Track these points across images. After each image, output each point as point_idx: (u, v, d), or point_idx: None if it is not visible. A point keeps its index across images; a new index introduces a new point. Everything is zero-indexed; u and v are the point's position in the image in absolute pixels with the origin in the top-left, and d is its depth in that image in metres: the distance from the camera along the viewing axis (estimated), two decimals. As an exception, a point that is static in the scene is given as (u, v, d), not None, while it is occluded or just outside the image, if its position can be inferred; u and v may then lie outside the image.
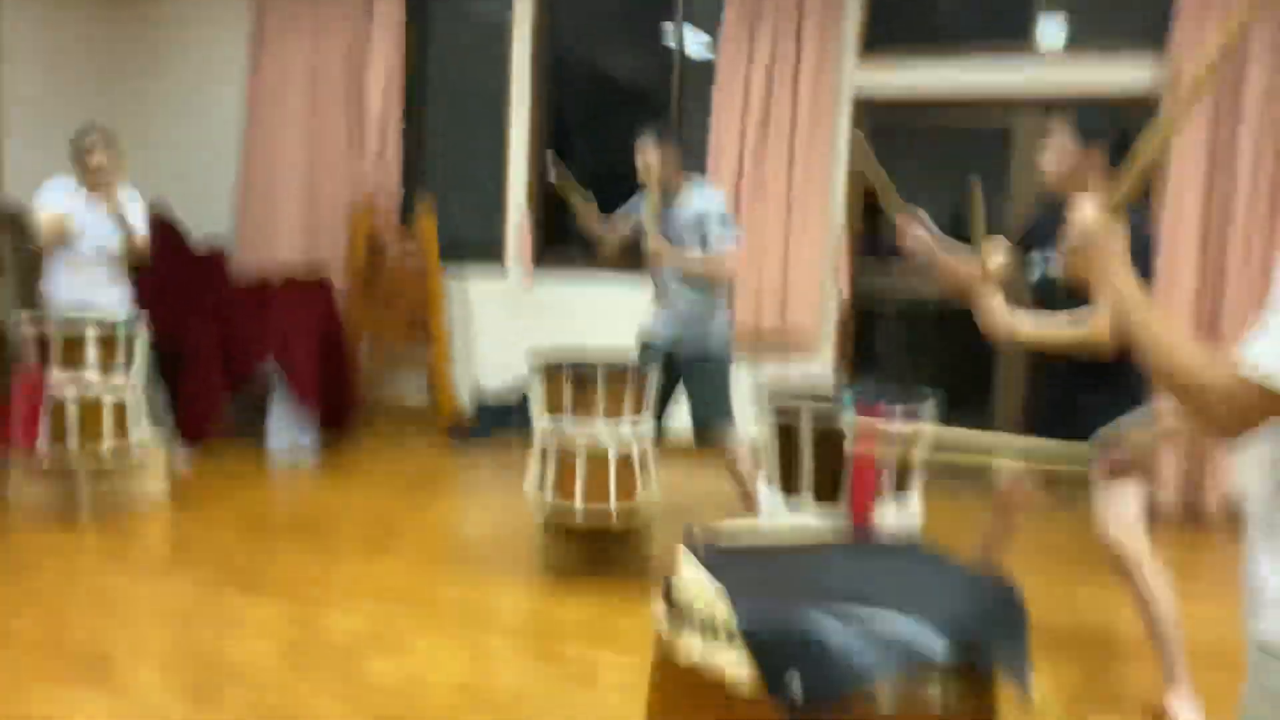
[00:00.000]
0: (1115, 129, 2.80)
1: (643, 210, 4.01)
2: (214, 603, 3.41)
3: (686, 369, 4.01)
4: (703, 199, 3.96)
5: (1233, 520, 4.72)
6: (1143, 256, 2.67)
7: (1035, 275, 2.95)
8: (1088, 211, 1.45)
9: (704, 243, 3.90)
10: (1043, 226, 2.89)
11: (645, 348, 4.10)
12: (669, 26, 6.10)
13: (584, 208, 4.20)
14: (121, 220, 4.58)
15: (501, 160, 6.38)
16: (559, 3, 6.34)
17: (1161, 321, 1.32)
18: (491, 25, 6.41)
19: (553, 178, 4.06)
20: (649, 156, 3.91)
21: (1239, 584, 1.31)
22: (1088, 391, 2.79)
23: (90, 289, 4.62)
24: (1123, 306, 1.36)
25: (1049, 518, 4.65)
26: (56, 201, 4.51)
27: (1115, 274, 1.39)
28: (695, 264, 3.89)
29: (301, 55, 6.52)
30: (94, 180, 4.52)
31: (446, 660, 3.01)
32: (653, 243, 3.89)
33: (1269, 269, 4.78)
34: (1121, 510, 2.73)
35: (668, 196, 3.97)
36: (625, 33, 6.83)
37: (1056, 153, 2.83)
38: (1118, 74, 5.08)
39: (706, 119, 5.75)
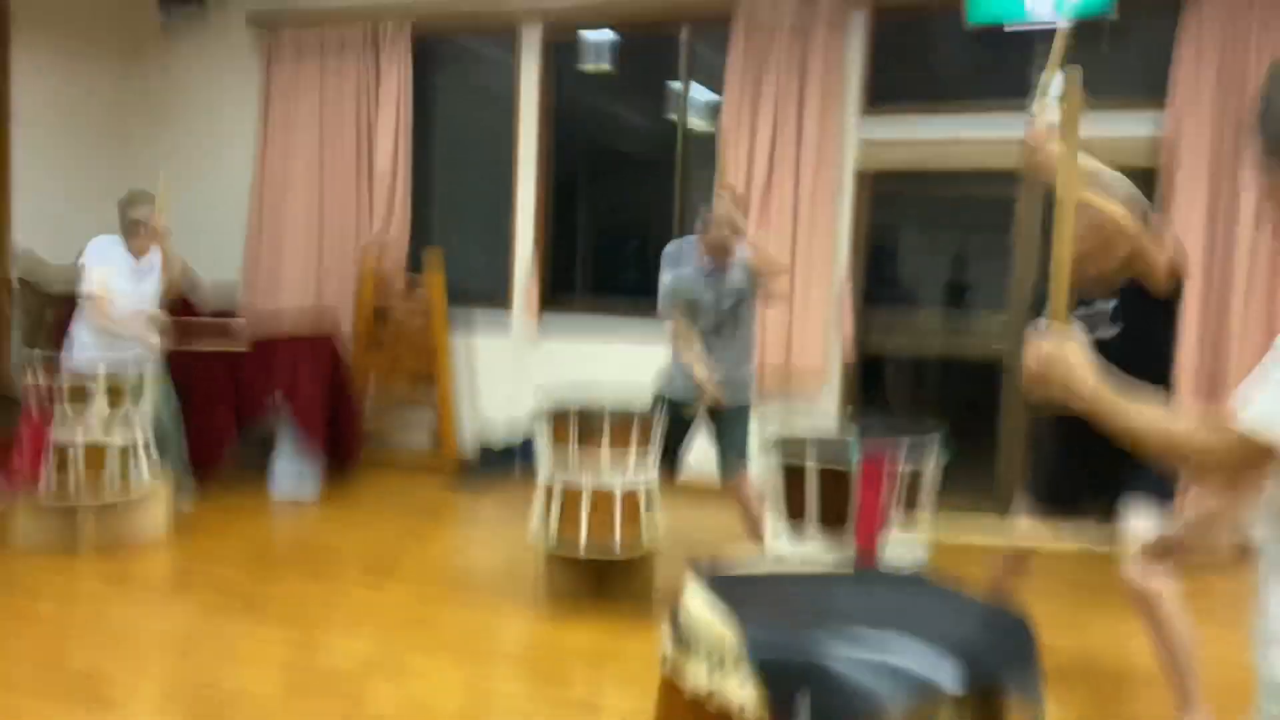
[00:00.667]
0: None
1: (688, 277, 3.99)
2: (214, 630, 3.39)
3: (724, 414, 4.01)
4: (740, 253, 3.99)
5: (1241, 556, 4.69)
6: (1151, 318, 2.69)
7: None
8: (1037, 344, 1.48)
9: (755, 294, 4.01)
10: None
11: (662, 399, 4.07)
12: (674, 84, 6.19)
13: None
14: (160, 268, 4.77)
15: (508, 212, 6.45)
16: (564, 58, 6.46)
17: (1139, 411, 1.36)
18: (499, 77, 6.52)
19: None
20: (724, 231, 3.85)
21: (1246, 620, 1.31)
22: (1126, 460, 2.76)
23: (117, 347, 4.65)
24: (1098, 410, 1.41)
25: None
26: (108, 276, 4.61)
27: (1078, 386, 1.43)
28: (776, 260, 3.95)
29: (311, 109, 6.62)
30: (142, 245, 4.67)
31: (447, 688, 2.99)
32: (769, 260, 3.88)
33: (1272, 301, 4.81)
34: (1133, 539, 2.67)
35: (725, 266, 3.96)
36: (631, 87, 6.95)
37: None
38: (1119, 129, 5.14)
39: (711, 171, 5.82)
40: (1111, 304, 2.80)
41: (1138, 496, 2.75)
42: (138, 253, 4.73)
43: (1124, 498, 2.78)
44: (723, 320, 4.01)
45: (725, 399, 3.96)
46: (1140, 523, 2.71)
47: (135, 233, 4.69)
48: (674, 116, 6.18)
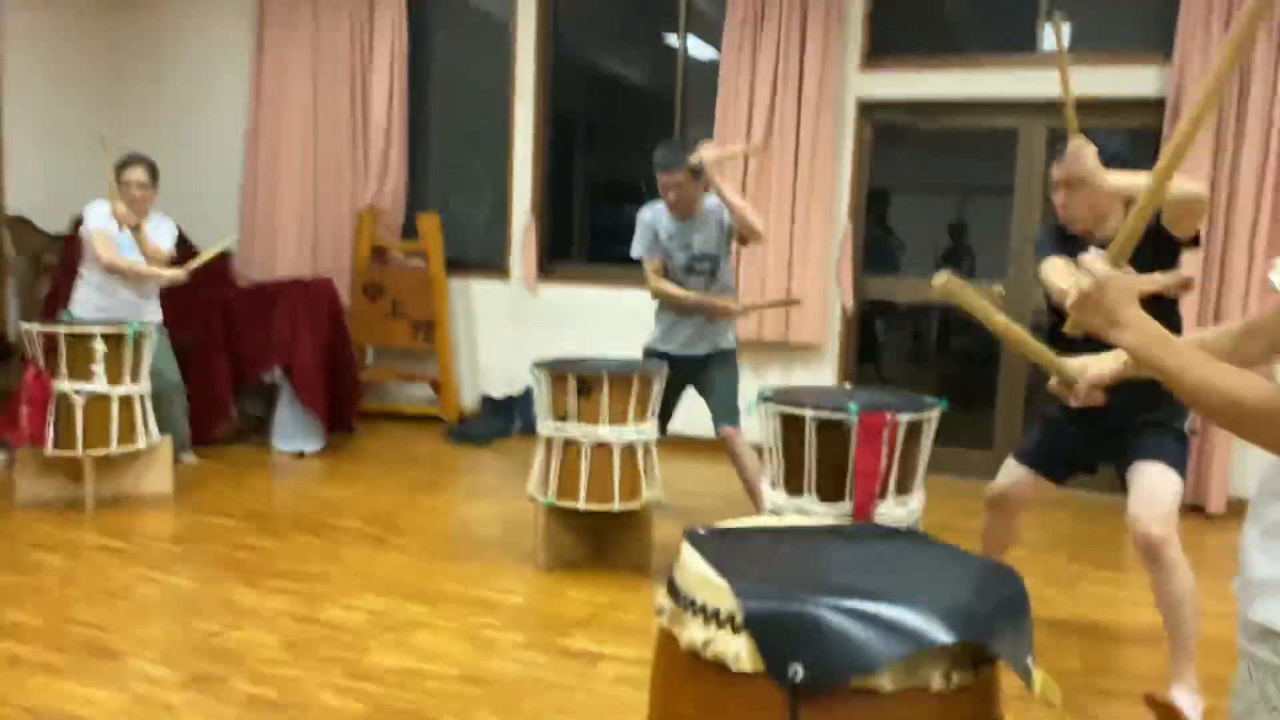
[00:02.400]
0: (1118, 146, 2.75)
1: (659, 225, 4.06)
2: (216, 594, 3.43)
3: (708, 368, 4.09)
4: (711, 203, 4.03)
5: (1237, 515, 4.74)
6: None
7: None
8: (1092, 265, 1.38)
9: (729, 238, 4.02)
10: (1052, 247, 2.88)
11: (654, 354, 4.14)
12: (672, 35, 6.12)
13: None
14: (145, 241, 4.75)
15: (506, 167, 6.40)
16: (562, 8, 6.38)
17: (1189, 355, 1.26)
18: (495, 32, 6.44)
19: None
20: (681, 179, 3.89)
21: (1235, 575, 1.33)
22: (1143, 410, 2.74)
23: (119, 309, 4.77)
24: (1144, 351, 1.30)
25: (1050, 505, 4.68)
26: (102, 222, 4.68)
27: (1129, 320, 1.32)
28: (744, 206, 3.92)
29: (304, 64, 6.55)
30: (132, 208, 4.68)
31: (448, 651, 3.03)
32: (709, 160, 3.83)
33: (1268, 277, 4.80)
34: (1161, 501, 2.68)
35: (693, 214, 4.03)
36: (629, 39, 6.87)
37: (1078, 191, 2.75)
38: (1124, 79, 5.10)
39: (710, 124, 5.77)
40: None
41: (1152, 459, 2.73)
42: (127, 214, 4.70)
43: (1136, 461, 2.76)
44: (695, 271, 4.06)
45: (702, 349, 4.07)
46: (1161, 481, 2.70)
47: (126, 195, 4.69)
48: (676, 55, 6.09)
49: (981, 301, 1.76)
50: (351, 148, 6.53)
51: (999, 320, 1.81)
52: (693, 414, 4.28)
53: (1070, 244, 2.84)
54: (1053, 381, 2.15)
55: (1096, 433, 2.87)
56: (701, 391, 4.15)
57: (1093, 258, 1.40)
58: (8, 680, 2.75)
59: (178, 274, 4.82)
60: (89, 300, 4.81)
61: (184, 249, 5.21)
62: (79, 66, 6.70)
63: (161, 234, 4.89)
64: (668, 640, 1.52)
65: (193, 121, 6.93)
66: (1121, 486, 2.83)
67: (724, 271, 4.12)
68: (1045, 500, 4.84)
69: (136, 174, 4.72)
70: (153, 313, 4.93)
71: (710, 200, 4.04)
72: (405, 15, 6.39)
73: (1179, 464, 2.75)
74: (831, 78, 5.50)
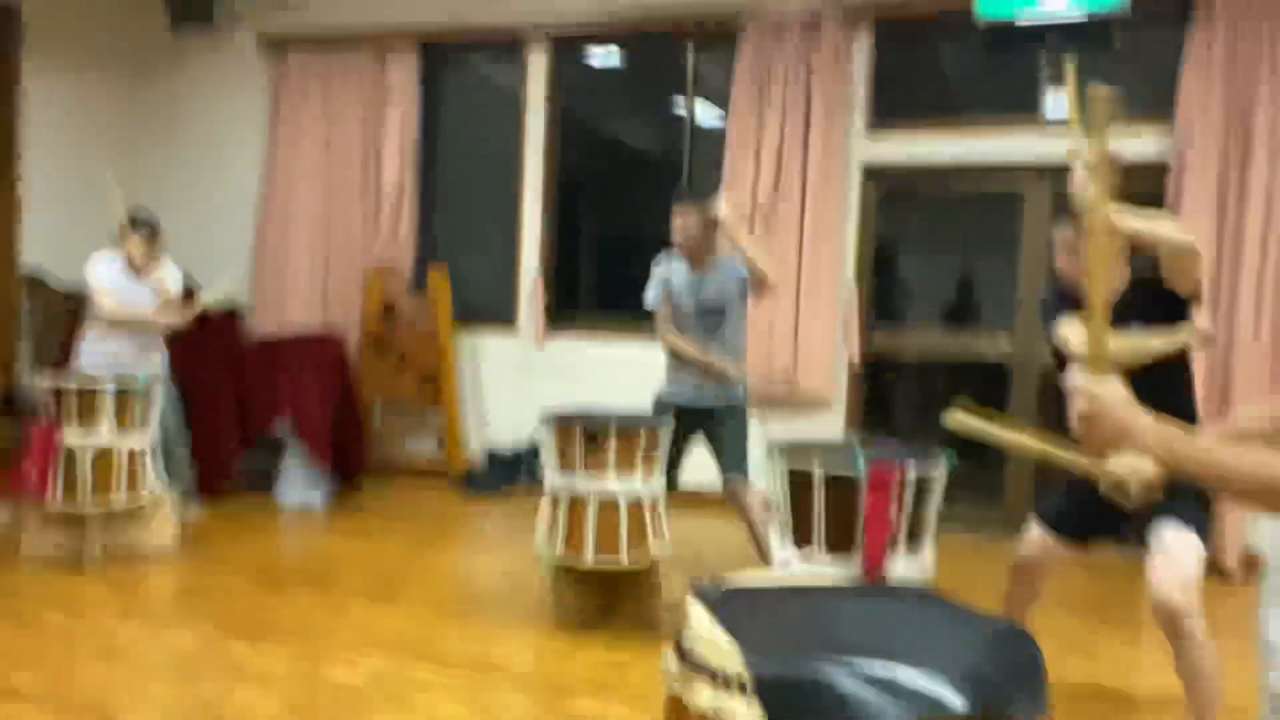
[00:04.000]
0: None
1: (671, 274, 4.08)
2: (220, 652, 3.39)
3: (717, 419, 4.08)
4: (732, 269, 4.05)
5: (1252, 574, 4.68)
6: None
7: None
8: (1080, 388, 1.36)
9: (744, 297, 4.05)
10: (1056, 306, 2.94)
11: (663, 405, 4.13)
12: (679, 98, 6.21)
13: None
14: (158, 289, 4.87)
15: (514, 224, 6.47)
16: (570, 75, 6.48)
17: (1212, 445, 1.25)
18: (505, 98, 6.55)
19: None
20: (689, 223, 3.97)
21: (1249, 638, 1.31)
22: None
23: (123, 359, 4.80)
24: (1166, 452, 1.27)
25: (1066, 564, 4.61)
26: (107, 276, 4.77)
27: (1140, 429, 1.30)
28: (759, 255, 3.95)
29: (318, 128, 6.66)
30: (138, 263, 4.81)
31: (453, 714, 2.98)
32: (726, 212, 3.91)
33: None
34: (1182, 568, 2.62)
35: (700, 261, 4.05)
36: (636, 104, 6.98)
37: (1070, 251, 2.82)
38: (1126, 143, 5.14)
39: (717, 188, 5.83)
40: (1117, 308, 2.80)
41: (1173, 522, 2.69)
42: (136, 265, 4.80)
43: (1156, 523, 2.72)
44: (703, 321, 4.07)
45: (709, 398, 4.06)
46: (1183, 546, 2.64)
47: (127, 240, 4.78)
48: (683, 118, 6.18)
49: (995, 430, 1.72)
50: (362, 207, 6.61)
51: (1021, 442, 1.75)
52: (700, 467, 4.25)
53: (1075, 306, 2.86)
54: (1104, 487, 2.10)
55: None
56: (710, 441, 4.11)
57: (1079, 380, 1.39)
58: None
59: (179, 318, 4.84)
60: (93, 351, 4.82)
61: (189, 295, 5.25)
62: (97, 128, 6.82)
63: (168, 281, 4.95)
64: (676, 705, 1.49)
65: (207, 182, 7.03)
66: (1143, 545, 2.77)
67: (732, 330, 4.10)
68: (1047, 573, 4.80)
69: (133, 244, 4.81)
70: (157, 363, 4.93)
71: (728, 257, 4.06)
72: (418, 81, 6.51)
73: (1200, 526, 2.69)
74: (837, 142, 5.57)
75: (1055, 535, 2.96)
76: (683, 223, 3.99)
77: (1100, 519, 2.90)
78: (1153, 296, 2.76)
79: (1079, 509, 2.93)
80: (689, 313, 4.09)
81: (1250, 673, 1.29)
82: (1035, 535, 3.01)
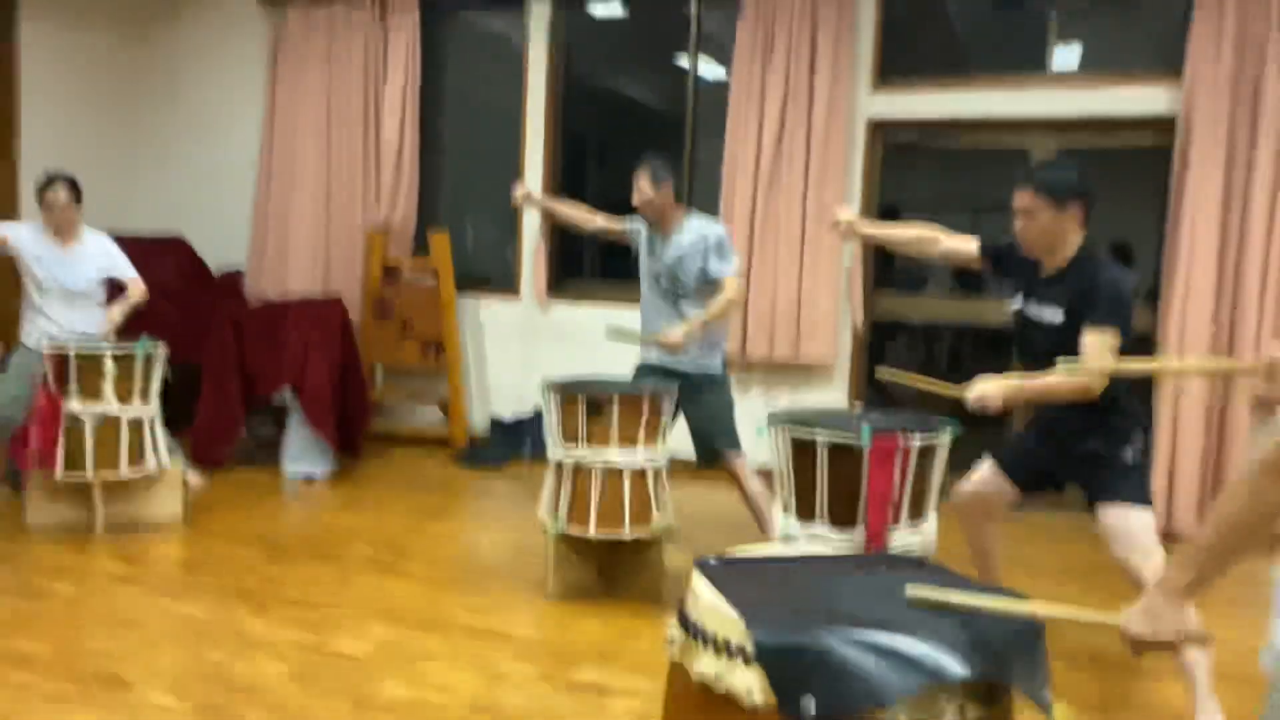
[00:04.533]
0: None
1: (640, 244, 4.05)
2: (226, 623, 3.41)
3: (699, 392, 4.02)
4: (699, 228, 3.95)
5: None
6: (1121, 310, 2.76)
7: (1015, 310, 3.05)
8: (1127, 623, 1.46)
9: (704, 275, 3.91)
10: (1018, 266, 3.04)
11: (644, 370, 4.12)
12: (682, 56, 6.14)
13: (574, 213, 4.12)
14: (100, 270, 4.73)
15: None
16: (573, 30, 6.41)
17: (1221, 523, 1.31)
18: (507, 54, 6.47)
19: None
20: (643, 186, 3.92)
21: (1251, 603, 1.31)
22: (1077, 440, 2.89)
23: (60, 327, 4.63)
24: (1199, 577, 1.36)
25: (1064, 539, 4.63)
26: (21, 237, 4.63)
27: (1172, 607, 1.40)
28: (714, 319, 3.88)
29: (318, 86, 6.59)
30: (56, 226, 4.62)
31: (457, 682, 3.00)
32: (671, 337, 3.83)
33: None
34: (1139, 541, 2.76)
35: (663, 229, 4.00)
36: (639, 60, 6.90)
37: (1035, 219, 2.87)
38: (1135, 98, 5.09)
39: (721, 143, 5.78)
40: (1059, 277, 2.89)
41: (1111, 500, 2.81)
42: (56, 233, 4.64)
43: (1098, 505, 2.84)
44: (664, 285, 4.01)
45: (686, 365, 3.97)
46: (1131, 524, 2.77)
47: (50, 217, 4.62)
48: (683, 88, 6.12)
49: (916, 379, 1.86)
50: (363, 167, 6.55)
51: (933, 387, 1.87)
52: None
53: (1031, 265, 2.98)
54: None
55: (1055, 447, 2.97)
56: (690, 417, 4.04)
57: (1125, 619, 1.46)
58: (18, 710, 2.74)
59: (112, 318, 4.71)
60: (35, 327, 4.65)
61: (190, 259, 5.17)
62: (95, 90, 6.76)
63: (114, 257, 4.79)
64: (679, 672, 1.49)
65: (207, 143, 6.99)
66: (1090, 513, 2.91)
67: (691, 297, 3.96)
68: (1057, 530, 4.82)
69: (57, 194, 4.59)
70: (95, 325, 4.73)
71: (693, 221, 3.98)
72: (418, 37, 6.43)
73: (1139, 496, 2.81)
74: (841, 98, 5.49)
75: (997, 468, 3.14)
76: (639, 187, 3.92)
77: (1040, 465, 3.06)
78: (1091, 271, 2.83)
79: (1021, 453, 3.14)
80: (647, 274, 4.05)
81: (1246, 639, 1.29)
82: (978, 468, 3.18)
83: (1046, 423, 3.02)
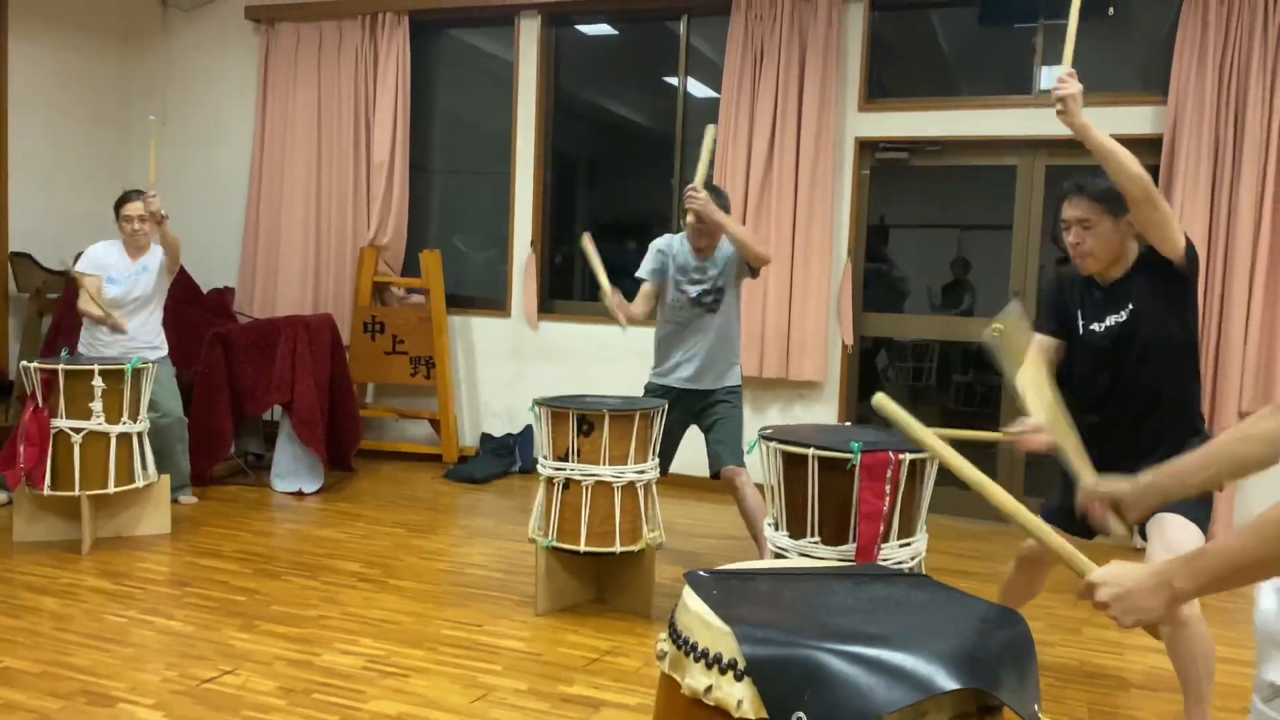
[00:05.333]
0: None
1: (670, 279, 4.08)
2: (213, 638, 3.39)
3: (713, 406, 4.09)
4: (730, 252, 4.07)
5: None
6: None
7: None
8: (1095, 584, 1.42)
9: (744, 267, 4.04)
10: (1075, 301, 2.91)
11: (656, 389, 4.14)
12: (672, 77, 6.17)
13: (607, 290, 4.04)
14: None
15: (507, 205, 6.43)
16: (563, 49, 6.44)
17: (1228, 544, 1.27)
18: (497, 72, 6.50)
19: (590, 254, 4.09)
20: (706, 205, 3.87)
21: (1241, 621, 1.31)
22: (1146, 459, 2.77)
23: (116, 348, 4.80)
24: (1208, 580, 1.30)
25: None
26: (98, 263, 4.80)
27: (1169, 592, 1.34)
28: (738, 234, 3.93)
29: (307, 101, 6.61)
30: (133, 241, 4.83)
31: (446, 698, 2.99)
32: (698, 198, 3.83)
33: (1275, 299, 4.80)
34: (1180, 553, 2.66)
35: (710, 249, 4.06)
36: (629, 80, 6.93)
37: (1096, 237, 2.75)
38: (1123, 119, 5.15)
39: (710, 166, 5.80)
40: (1120, 284, 2.79)
41: (1176, 516, 2.66)
42: (134, 252, 4.79)
43: (1159, 517, 2.68)
44: (701, 304, 4.08)
45: (706, 384, 4.09)
46: (1184, 537, 2.62)
47: (127, 229, 4.75)
48: (673, 107, 6.15)
49: (913, 424, 1.71)
50: (354, 184, 6.56)
51: (933, 444, 1.73)
52: (695, 452, 4.26)
53: (1080, 289, 2.87)
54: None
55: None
56: (705, 428, 4.13)
57: (1094, 577, 1.42)
58: (0, 726, 2.71)
59: (118, 323, 4.79)
60: (90, 340, 4.85)
61: (180, 276, 5.25)
62: (84, 104, 6.76)
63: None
64: (669, 686, 1.49)
65: (197, 159, 6.98)
66: (1141, 535, 2.76)
67: (729, 306, 4.10)
68: (1051, 565, 4.82)
69: (136, 208, 4.77)
70: (158, 348, 4.94)
71: (726, 242, 4.06)
72: (409, 55, 6.46)
73: (1200, 516, 2.67)
74: (830, 117, 5.54)
75: (1056, 528, 2.97)
76: (693, 205, 3.89)
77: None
78: (1146, 271, 2.76)
79: (1073, 500, 2.94)
80: (690, 297, 4.08)
81: (1246, 658, 1.30)
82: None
83: (1128, 453, 2.75)
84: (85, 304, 4.77)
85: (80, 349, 4.82)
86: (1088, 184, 2.78)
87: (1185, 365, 2.78)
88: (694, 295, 4.08)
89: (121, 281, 4.81)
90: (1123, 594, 1.37)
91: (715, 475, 4.08)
